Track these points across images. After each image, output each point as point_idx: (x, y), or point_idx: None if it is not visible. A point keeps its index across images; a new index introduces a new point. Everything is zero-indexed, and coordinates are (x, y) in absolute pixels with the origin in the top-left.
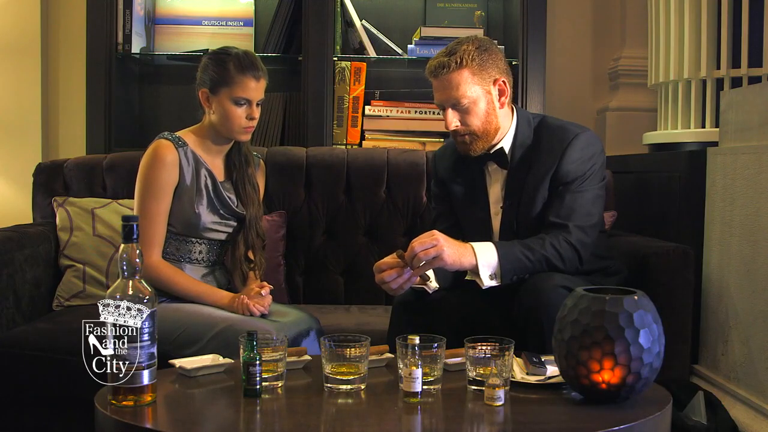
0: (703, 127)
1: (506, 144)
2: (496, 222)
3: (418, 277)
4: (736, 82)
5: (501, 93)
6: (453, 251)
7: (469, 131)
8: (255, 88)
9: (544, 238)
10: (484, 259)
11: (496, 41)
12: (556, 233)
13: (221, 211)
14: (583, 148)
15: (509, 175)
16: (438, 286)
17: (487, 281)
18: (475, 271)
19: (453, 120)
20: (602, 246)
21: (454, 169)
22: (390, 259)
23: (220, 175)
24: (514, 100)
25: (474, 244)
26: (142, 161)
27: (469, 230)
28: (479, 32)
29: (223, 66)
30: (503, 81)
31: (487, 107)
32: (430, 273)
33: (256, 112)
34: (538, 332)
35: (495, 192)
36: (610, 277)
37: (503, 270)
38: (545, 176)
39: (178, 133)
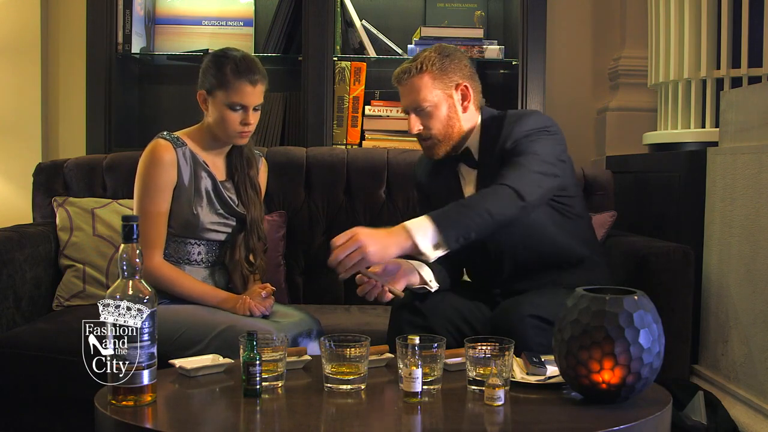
0: (703, 127)
1: (473, 144)
2: None
3: (418, 279)
4: (736, 82)
5: (464, 97)
6: (378, 247)
7: (431, 135)
8: (251, 94)
9: (482, 191)
10: (420, 232)
11: (463, 49)
12: (494, 184)
13: (221, 211)
14: (523, 123)
15: (479, 175)
16: (439, 285)
17: (432, 253)
18: (416, 249)
19: (415, 124)
20: (581, 235)
21: (431, 174)
22: (359, 277)
23: (220, 175)
24: (514, 101)
25: (407, 222)
26: (140, 162)
27: None
28: (479, 32)
29: (220, 69)
30: (466, 85)
31: (449, 111)
32: (430, 274)
33: (252, 118)
34: None
35: (469, 192)
36: (581, 270)
37: (444, 236)
38: (498, 163)
39: (176, 133)
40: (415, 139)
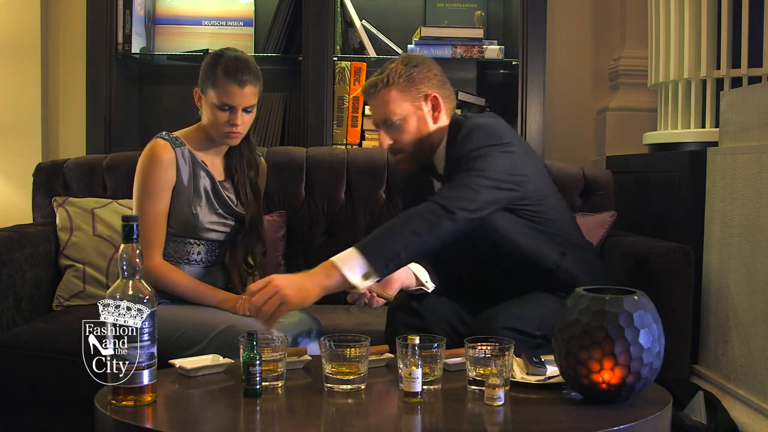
0: (703, 127)
1: (439, 156)
2: None
3: (414, 281)
4: (736, 82)
5: (435, 108)
6: (296, 290)
7: (401, 148)
8: (238, 95)
9: (407, 212)
10: (347, 265)
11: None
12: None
13: (220, 211)
14: (468, 141)
15: (442, 185)
16: (435, 285)
17: (362, 283)
18: (347, 283)
19: (385, 139)
20: (557, 237)
21: (409, 184)
22: None
23: (219, 175)
24: (514, 101)
25: (334, 257)
26: (139, 162)
27: None
28: (479, 32)
29: (213, 68)
30: (435, 96)
31: (419, 124)
32: (426, 275)
33: (240, 119)
34: None
35: None
36: (562, 272)
37: (373, 264)
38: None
39: (175, 133)
40: None
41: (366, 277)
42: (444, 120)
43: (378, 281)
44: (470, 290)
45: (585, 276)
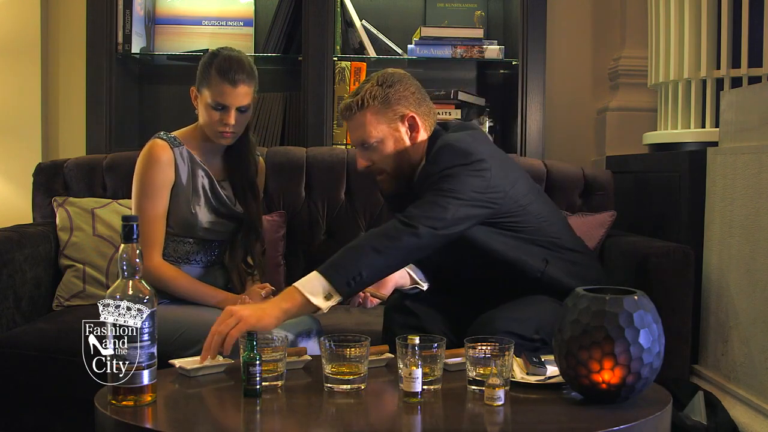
0: (703, 127)
1: (420, 173)
2: None
3: (408, 280)
4: (736, 82)
5: (412, 128)
6: (253, 311)
7: (379, 170)
8: (231, 94)
9: (369, 231)
10: (309, 287)
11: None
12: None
13: (219, 210)
14: (436, 162)
15: None
16: (429, 284)
17: (325, 304)
18: (311, 305)
19: (362, 160)
20: (543, 242)
21: (394, 199)
22: None
23: (217, 174)
24: (514, 101)
25: (296, 282)
26: (137, 162)
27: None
28: (479, 32)
29: (208, 67)
30: (412, 116)
31: (396, 145)
32: (420, 273)
33: (232, 119)
34: None
35: None
36: (550, 275)
37: (334, 283)
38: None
39: (173, 133)
40: None
41: (327, 297)
42: (423, 136)
43: (341, 302)
44: (462, 294)
45: (572, 280)
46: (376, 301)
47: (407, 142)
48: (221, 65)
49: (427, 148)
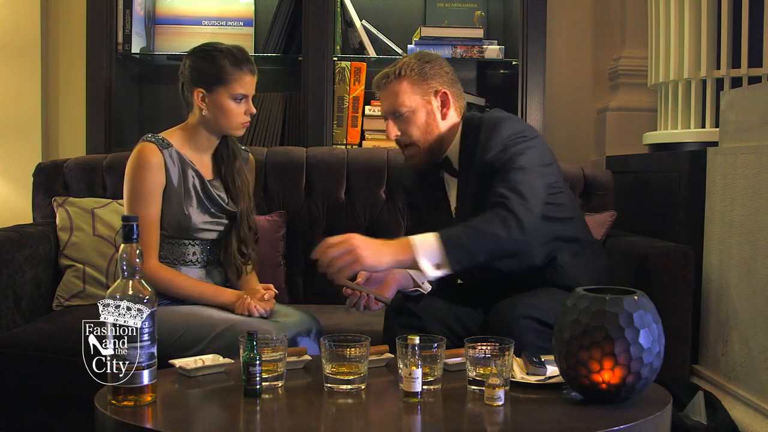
0: (703, 127)
1: (453, 152)
2: None
3: (411, 283)
4: (736, 82)
5: (443, 104)
6: (371, 252)
7: (409, 141)
8: (250, 83)
9: (486, 214)
10: (423, 249)
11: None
12: (495, 208)
13: (212, 210)
14: (500, 131)
15: (459, 183)
16: (431, 287)
17: (432, 272)
18: (416, 265)
19: (393, 130)
20: (570, 231)
21: (416, 181)
22: (345, 289)
23: (208, 174)
24: (514, 101)
25: (413, 236)
26: (127, 166)
27: None
28: (479, 32)
29: (216, 63)
30: (444, 92)
31: (428, 118)
32: (423, 277)
33: (252, 107)
34: None
35: (454, 199)
36: (569, 268)
37: (450, 258)
38: (481, 175)
39: (161, 134)
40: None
41: (438, 267)
42: (453, 117)
43: (442, 276)
44: (469, 287)
45: (582, 271)
46: (379, 304)
47: (438, 117)
48: (237, 58)
49: (465, 129)
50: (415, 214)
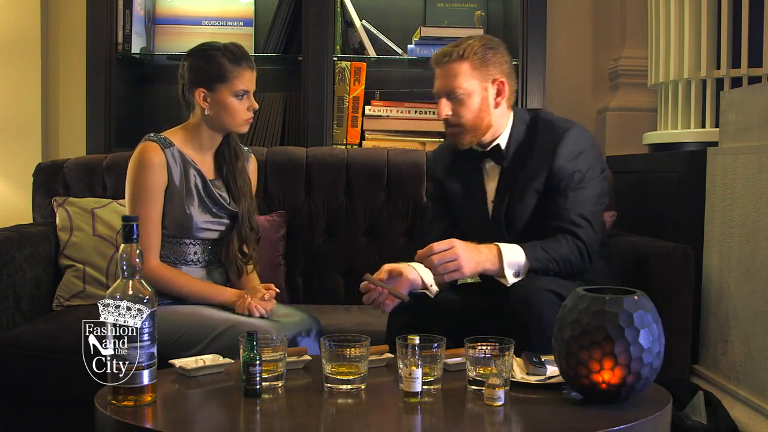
0: (703, 127)
1: (502, 141)
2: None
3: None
4: (736, 82)
5: (498, 93)
6: (472, 264)
7: (459, 122)
8: (251, 79)
9: (560, 239)
10: (510, 258)
11: (506, 44)
12: (567, 235)
13: (213, 210)
14: (574, 143)
15: (503, 172)
16: (438, 289)
17: (512, 280)
18: (499, 273)
19: (445, 109)
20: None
21: (451, 168)
22: (365, 284)
23: (209, 173)
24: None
25: (501, 245)
26: (129, 165)
27: (467, 227)
28: (479, 32)
29: (215, 61)
30: (502, 81)
31: (481, 103)
32: (431, 278)
33: (255, 102)
34: (525, 336)
35: (492, 189)
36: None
37: (531, 264)
38: (537, 174)
39: (164, 134)
40: (415, 138)
41: (517, 275)
42: (504, 107)
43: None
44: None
45: (602, 273)
46: (394, 301)
47: (491, 105)
48: (235, 54)
49: (515, 123)
50: (441, 206)
